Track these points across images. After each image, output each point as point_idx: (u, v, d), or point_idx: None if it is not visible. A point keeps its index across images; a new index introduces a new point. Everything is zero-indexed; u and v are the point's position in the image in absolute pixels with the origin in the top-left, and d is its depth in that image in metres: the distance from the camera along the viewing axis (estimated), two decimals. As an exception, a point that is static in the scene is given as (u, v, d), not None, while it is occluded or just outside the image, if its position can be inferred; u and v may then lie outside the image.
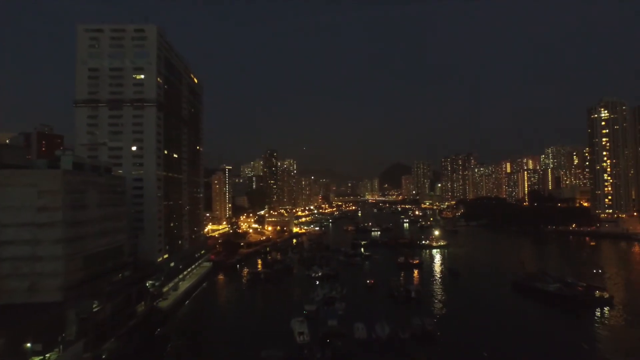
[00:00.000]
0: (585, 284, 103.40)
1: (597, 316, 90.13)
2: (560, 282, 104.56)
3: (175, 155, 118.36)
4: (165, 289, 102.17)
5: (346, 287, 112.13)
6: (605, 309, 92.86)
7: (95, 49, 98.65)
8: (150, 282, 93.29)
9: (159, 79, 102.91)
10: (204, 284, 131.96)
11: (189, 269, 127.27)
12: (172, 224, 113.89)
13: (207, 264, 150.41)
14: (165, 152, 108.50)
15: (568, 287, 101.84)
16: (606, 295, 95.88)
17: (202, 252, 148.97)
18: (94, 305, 63.63)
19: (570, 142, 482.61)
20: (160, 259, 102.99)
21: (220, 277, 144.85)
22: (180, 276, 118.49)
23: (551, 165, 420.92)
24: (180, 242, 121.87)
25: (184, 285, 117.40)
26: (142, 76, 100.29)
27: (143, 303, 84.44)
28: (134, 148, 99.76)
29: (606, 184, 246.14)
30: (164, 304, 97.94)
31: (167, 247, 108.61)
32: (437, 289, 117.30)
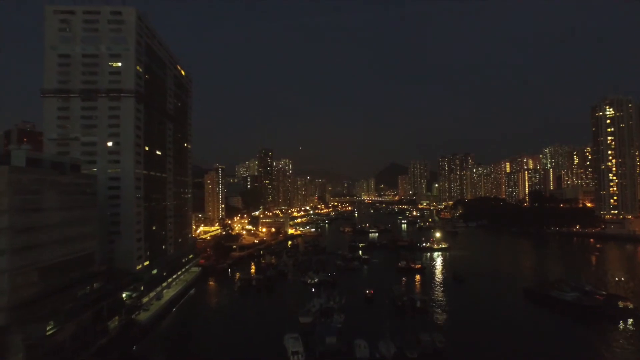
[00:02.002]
0: (605, 293, 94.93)
1: (621, 329, 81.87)
2: (577, 290, 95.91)
3: (158, 152, 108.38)
4: (145, 300, 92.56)
5: (345, 295, 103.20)
6: (630, 320, 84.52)
7: (67, 33, 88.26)
8: (126, 293, 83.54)
9: (138, 67, 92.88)
10: (192, 291, 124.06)
11: (174, 276, 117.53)
12: (154, 228, 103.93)
13: (196, 269, 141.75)
14: (147, 148, 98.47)
15: (587, 296, 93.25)
16: (630, 306, 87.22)
17: (190, 256, 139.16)
18: (49, 327, 53.79)
19: (567, 142, 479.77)
20: (140, 266, 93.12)
21: (211, 282, 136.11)
22: (164, 284, 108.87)
23: (549, 166, 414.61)
24: (164, 246, 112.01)
25: (168, 294, 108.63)
26: (119, 64, 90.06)
27: (117, 318, 74.74)
28: (109, 143, 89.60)
29: (611, 184, 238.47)
30: (143, 316, 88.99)
31: (148, 253, 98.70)
32: (443, 297, 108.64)
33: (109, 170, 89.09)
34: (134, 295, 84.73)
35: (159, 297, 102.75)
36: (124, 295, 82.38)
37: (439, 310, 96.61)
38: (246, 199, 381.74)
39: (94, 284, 70.99)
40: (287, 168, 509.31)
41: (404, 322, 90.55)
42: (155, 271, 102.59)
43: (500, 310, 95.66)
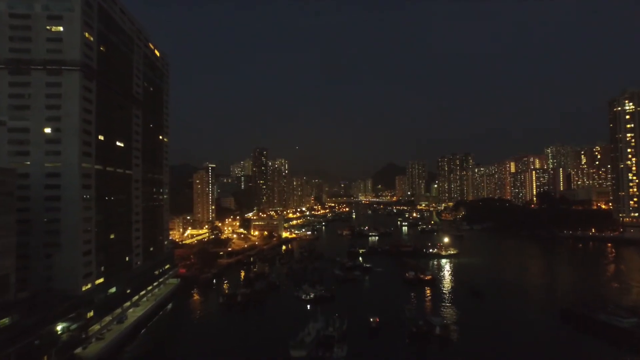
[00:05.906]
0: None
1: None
2: (635, 314, 77.48)
3: (119, 144, 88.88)
4: (96, 327, 73.48)
5: (346, 318, 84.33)
6: None
7: (-12, -14, 69.03)
8: (63, 324, 64.06)
9: (87, 34, 73.44)
10: (169, 307, 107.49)
11: (142, 292, 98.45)
12: (112, 236, 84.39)
13: (175, 281, 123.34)
14: (101, 137, 79.10)
15: (647, 322, 74.88)
16: None
17: (167, 266, 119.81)
18: None
19: (568, 141, 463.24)
20: (89, 285, 73.65)
21: (194, 296, 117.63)
22: (128, 303, 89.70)
23: (551, 166, 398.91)
24: (127, 258, 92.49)
25: (135, 314, 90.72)
26: (60, 28, 70.57)
27: (41, 362, 55.36)
28: (47, 130, 70.06)
29: (631, 184, 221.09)
30: (95, 347, 71.49)
31: (103, 267, 79.18)
32: (462, 318, 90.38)
33: (47, 164, 69.61)
34: (73, 326, 65.06)
35: (120, 319, 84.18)
36: (59, 327, 62.95)
37: (460, 337, 78.73)
38: (239, 200, 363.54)
39: (8, 319, 51.56)
40: (282, 168, 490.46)
41: (422, 354, 72.63)
42: (114, 289, 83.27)
43: (538, 339, 78.44)
